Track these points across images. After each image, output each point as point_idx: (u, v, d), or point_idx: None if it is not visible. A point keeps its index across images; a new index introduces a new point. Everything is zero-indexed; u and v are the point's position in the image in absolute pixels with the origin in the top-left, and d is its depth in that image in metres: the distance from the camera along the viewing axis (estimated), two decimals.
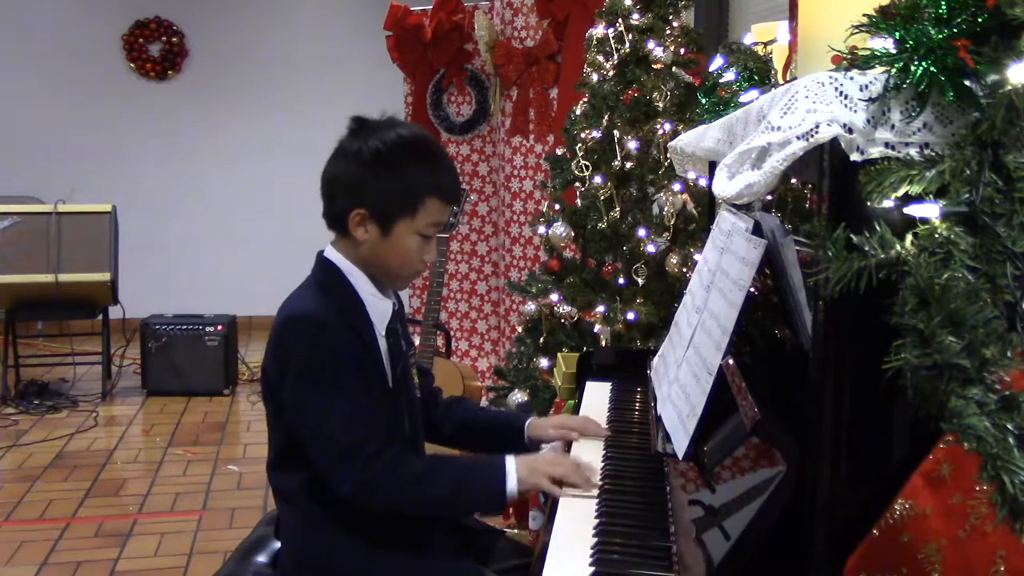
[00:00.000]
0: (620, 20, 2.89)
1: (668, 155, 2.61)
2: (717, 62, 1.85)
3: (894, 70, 0.93)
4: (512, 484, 1.49)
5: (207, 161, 6.94)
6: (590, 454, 1.65)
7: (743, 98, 1.63)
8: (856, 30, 0.99)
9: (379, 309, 1.57)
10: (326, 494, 1.52)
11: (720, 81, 1.77)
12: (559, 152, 3.08)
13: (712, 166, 1.78)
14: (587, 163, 2.89)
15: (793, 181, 1.50)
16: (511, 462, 1.51)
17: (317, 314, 1.50)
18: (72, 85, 6.70)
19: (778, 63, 1.72)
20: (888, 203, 0.92)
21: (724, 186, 1.14)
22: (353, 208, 1.52)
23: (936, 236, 0.87)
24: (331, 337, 1.49)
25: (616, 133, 2.83)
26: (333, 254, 1.57)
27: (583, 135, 2.91)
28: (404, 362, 1.62)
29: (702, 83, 1.93)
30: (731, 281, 1.33)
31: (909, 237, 0.89)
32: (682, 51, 2.87)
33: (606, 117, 2.87)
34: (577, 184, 2.95)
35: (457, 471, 1.54)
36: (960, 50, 0.90)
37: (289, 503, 1.58)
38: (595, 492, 1.47)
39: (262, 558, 1.64)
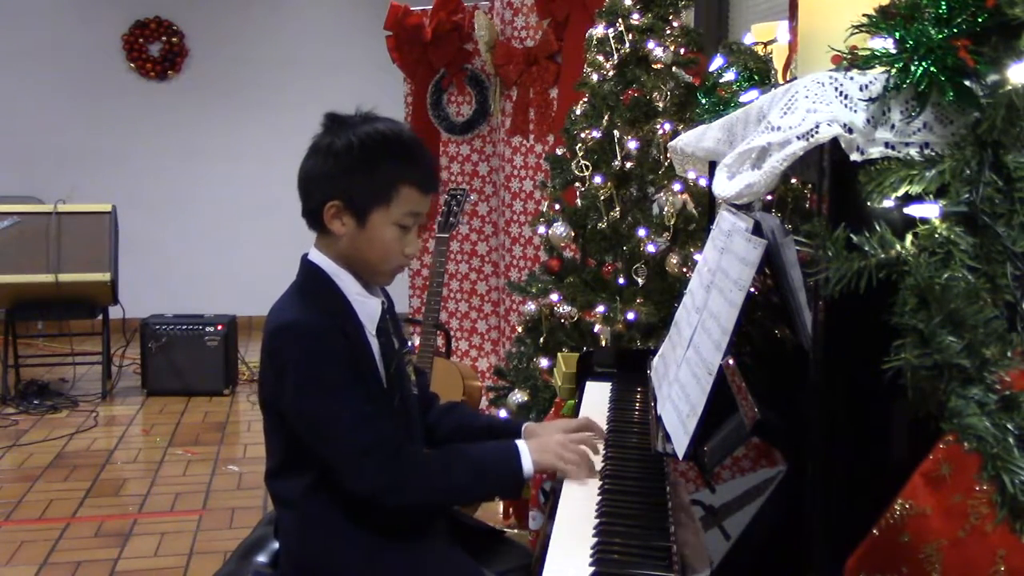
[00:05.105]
0: (620, 20, 2.89)
1: (668, 155, 2.61)
2: (717, 62, 1.85)
3: (894, 70, 0.93)
4: (528, 466, 1.52)
5: (207, 161, 6.94)
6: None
7: (743, 98, 1.63)
8: (856, 30, 0.99)
9: (367, 308, 1.57)
10: (326, 498, 1.52)
11: (720, 81, 1.77)
12: (559, 152, 3.07)
13: (712, 166, 1.77)
14: (587, 163, 2.88)
15: (793, 181, 1.50)
16: (522, 445, 1.54)
17: (306, 321, 1.49)
18: (72, 85, 6.70)
19: (778, 63, 1.72)
20: (888, 203, 0.92)
21: (724, 186, 1.14)
22: (327, 201, 1.51)
23: (936, 236, 0.87)
24: (323, 343, 1.48)
25: (616, 133, 2.83)
26: (316, 256, 1.57)
27: (583, 135, 2.91)
28: (398, 360, 1.61)
29: (702, 83, 1.93)
30: (731, 281, 1.33)
31: (909, 237, 0.89)
32: (682, 51, 2.87)
33: (606, 117, 2.87)
34: (577, 184, 2.95)
35: (474, 460, 1.56)
36: (960, 50, 0.90)
37: (289, 507, 1.57)
38: (595, 491, 1.47)
39: (262, 558, 1.64)
